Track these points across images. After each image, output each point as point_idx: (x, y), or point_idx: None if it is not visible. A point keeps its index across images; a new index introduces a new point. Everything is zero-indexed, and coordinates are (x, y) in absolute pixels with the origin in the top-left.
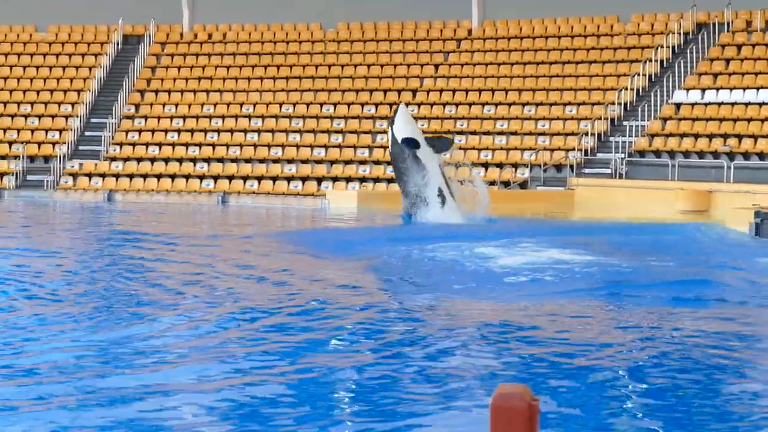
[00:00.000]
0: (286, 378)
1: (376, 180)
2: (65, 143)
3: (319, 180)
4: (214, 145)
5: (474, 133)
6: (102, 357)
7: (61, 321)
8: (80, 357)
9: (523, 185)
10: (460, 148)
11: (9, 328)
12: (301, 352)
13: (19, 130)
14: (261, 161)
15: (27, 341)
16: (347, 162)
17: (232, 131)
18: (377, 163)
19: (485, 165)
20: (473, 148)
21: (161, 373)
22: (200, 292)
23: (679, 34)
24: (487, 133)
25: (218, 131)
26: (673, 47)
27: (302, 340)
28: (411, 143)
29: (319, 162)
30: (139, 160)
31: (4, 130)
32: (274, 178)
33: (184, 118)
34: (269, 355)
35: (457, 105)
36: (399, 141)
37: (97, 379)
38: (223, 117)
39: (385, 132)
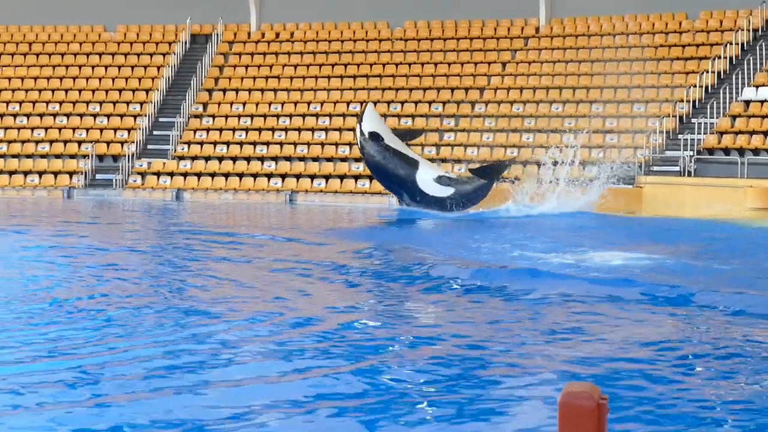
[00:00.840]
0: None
1: None
2: (134, 142)
3: None
4: (281, 144)
5: (541, 131)
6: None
7: (136, 320)
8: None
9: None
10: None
11: (98, 326)
12: (381, 350)
13: (88, 129)
14: (329, 159)
15: (108, 347)
16: None
17: (299, 130)
18: (444, 161)
19: (553, 163)
20: (541, 146)
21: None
22: (280, 293)
23: (749, 30)
24: (555, 131)
25: (286, 130)
26: (742, 44)
27: (385, 335)
28: (377, 137)
29: None
30: (207, 158)
31: (74, 129)
32: (342, 177)
33: (251, 116)
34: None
35: (524, 103)
36: (368, 136)
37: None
38: (290, 115)
39: (452, 130)
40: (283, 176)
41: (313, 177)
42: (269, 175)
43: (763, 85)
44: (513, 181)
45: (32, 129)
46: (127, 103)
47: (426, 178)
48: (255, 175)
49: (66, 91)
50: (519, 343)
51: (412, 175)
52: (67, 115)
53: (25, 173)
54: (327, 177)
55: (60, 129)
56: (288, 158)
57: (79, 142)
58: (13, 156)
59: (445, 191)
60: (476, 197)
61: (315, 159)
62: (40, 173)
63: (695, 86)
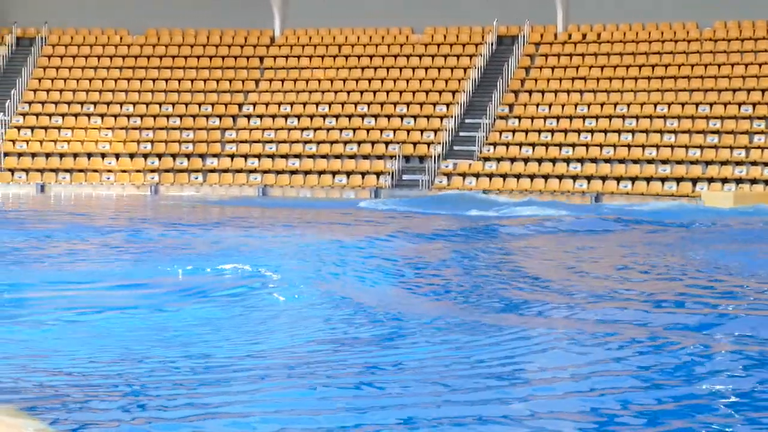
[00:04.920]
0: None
1: (753, 181)
2: (440, 143)
3: (694, 181)
4: (587, 146)
5: None
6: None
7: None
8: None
9: None
10: None
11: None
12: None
13: (395, 131)
14: (635, 162)
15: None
16: (723, 163)
17: (605, 131)
18: (754, 164)
19: None
20: None
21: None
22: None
23: None
24: None
25: (592, 131)
26: None
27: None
28: None
29: (694, 162)
30: (513, 160)
31: (381, 131)
32: (648, 179)
33: (557, 118)
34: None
35: None
36: None
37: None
38: (596, 117)
39: (763, 132)
40: (589, 178)
41: (618, 179)
42: (574, 177)
43: None
44: None
45: (341, 130)
46: (434, 104)
47: None
48: (560, 177)
49: (374, 92)
50: None
51: None
52: (375, 116)
53: (334, 173)
54: (633, 179)
55: (368, 130)
56: (594, 160)
57: (387, 143)
58: (322, 156)
59: None
60: None
61: (621, 161)
62: (348, 173)
63: None
